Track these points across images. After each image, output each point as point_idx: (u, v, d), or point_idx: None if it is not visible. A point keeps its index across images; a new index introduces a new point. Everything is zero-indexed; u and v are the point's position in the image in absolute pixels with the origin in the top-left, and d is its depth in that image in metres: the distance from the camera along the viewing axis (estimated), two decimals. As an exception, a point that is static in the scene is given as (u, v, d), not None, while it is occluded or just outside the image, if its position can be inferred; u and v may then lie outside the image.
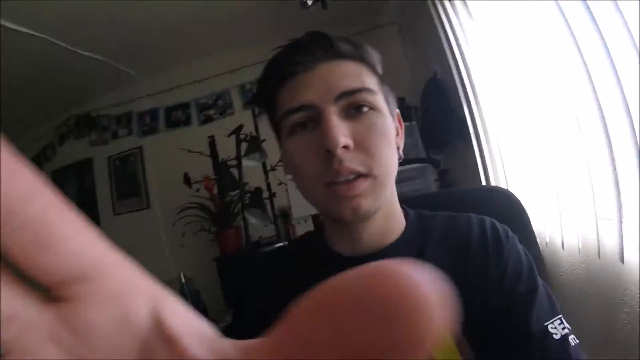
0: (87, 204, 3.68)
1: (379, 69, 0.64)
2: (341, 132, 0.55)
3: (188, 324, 0.17)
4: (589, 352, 0.56)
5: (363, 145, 0.56)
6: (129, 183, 3.50)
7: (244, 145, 2.49)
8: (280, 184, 3.14)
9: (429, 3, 2.25)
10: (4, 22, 2.19)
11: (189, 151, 3.26)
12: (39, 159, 3.98)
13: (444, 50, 2.17)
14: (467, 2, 1.89)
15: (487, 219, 0.66)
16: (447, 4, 2.08)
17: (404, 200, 0.70)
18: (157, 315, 0.16)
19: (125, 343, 0.16)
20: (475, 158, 2.05)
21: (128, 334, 0.16)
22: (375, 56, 0.64)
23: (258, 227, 2.64)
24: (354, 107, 0.57)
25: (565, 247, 1.47)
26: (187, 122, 3.35)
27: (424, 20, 2.40)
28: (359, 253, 0.63)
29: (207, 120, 3.32)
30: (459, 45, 2.05)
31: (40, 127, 3.90)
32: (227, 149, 3.22)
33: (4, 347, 0.14)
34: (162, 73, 3.36)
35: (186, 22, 2.72)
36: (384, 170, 0.58)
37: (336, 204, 0.57)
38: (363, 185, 0.56)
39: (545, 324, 0.55)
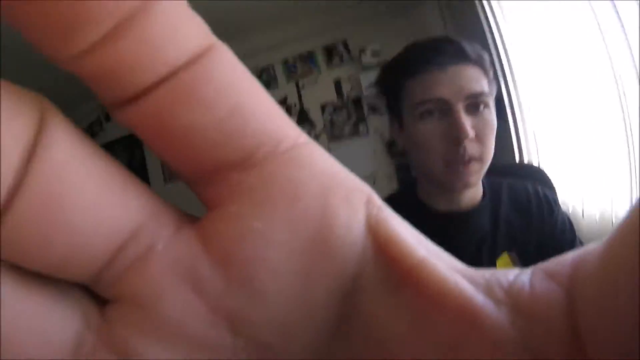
0: (138, 174, 3.99)
1: (491, 72, 0.82)
2: (469, 126, 0.74)
3: (419, 239, 0.11)
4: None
5: (479, 137, 0.76)
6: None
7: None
8: (324, 152, 3.40)
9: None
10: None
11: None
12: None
13: (483, 29, 2.33)
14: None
15: (539, 188, 0.89)
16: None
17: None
18: (374, 220, 0.11)
19: (327, 274, 0.11)
20: (510, 133, 2.27)
21: (331, 257, 0.10)
22: (487, 59, 0.82)
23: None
24: (475, 105, 0.76)
25: (584, 216, 1.69)
26: (234, 96, 3.56)
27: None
28: (454, 210, 0.83)
29: (253, 93, 3.51)
30: (497, 24, 2.21)
31: (87, 103, 4.15)
32: (272, 120, 3.47)
33: (112, 278, 0.10)
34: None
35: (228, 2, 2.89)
36: (490, 156, 0.79)
37: (454, 177, 0.77)
38: (475, 167, 0.77)
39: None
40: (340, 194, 0.11)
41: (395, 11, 3.16)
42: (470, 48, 0.77)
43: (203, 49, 0.10)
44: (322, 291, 0.11)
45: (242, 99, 0.10)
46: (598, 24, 1.43)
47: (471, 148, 0.74)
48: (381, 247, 0.11)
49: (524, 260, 0.80)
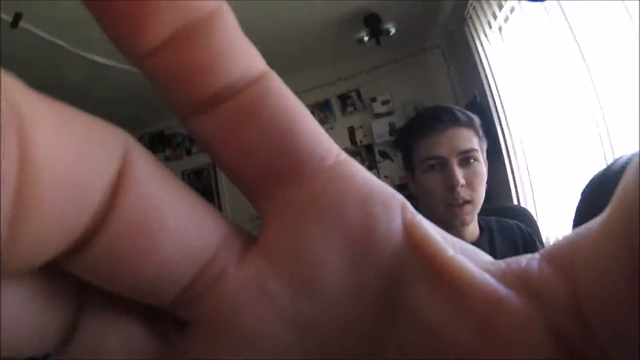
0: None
1: (480, 131, 1.00)
2: (460, 176, 0.92)
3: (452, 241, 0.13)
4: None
5: (470, 184, 0.94)
6: (203, 194, 3.95)
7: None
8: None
9: (466, 30, 2.55)
10: (94, 57, 2.61)
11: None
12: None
13: (480, 76, 2.47)
14: (502, 29, 2.21)
15: (523, 225, 1.05)
16: (481, 31, 2.38)
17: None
18: (409, 223, 0.12)
19: (374, 271, 0.12)
20: (506, 173, 2.36)
21: (374, 255, 0.12)
22: (477, 121, 1.01)
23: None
24: (466, 159, 0.95)
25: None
26: (255, 139, 3.77)
27: (463, 46, 2.70)
28: None
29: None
30: (492, 71, 2.35)
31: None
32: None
33: (190, 300, 0.11)
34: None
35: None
36: (480, 199, 0.97)
37: (452, 217, 0.94)
38: (468, 208, 0.94)
39: None
40: (379, 202, 0.12)
41: (403, 60, 3.34)
42: (462, 114, 0.97)
43: (260, 73, 0.11)
44: (371, 287, 0.12)
45: (291, 121, 0.11)
46: (587, 66, 1.54)
47: (464, 193, 0.92)
48: (417, 246, 0.12)
49: None
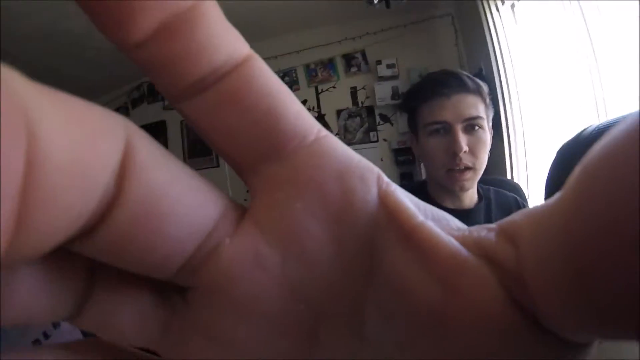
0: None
1: (487, 99, 1.00)
2: (464, 142, 0.93)
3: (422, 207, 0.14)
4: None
5: (473, 151, 0.95)
6: (200, 144, 3.95)
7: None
8: (335, 154, 3.59)
9: (479, 2, 2.51)
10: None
11: (257, 120, 3.72)
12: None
13: (488, 49, 2.50)
14: (515, 7, 2.23)
15: (520, 199, 1.08)
16: (493, 5, 2.37)
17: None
18: (383, 193, 0.13)
19: (354, 238, 0.13)
20: (504, 147, 2.44)
21: (354, 227, 0.13)
22: (485, 89, 1.01)
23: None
24: (471, 126, 0.95)
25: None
26: (256, 94, 3.75)
27: (474, 17, 2.67)
28: (458, 207, 1.02)
29: (274, 93, 3.70)
30: (500, 46, 2.37)
31: (112, 91, 4.32)
32: (290, 120, 3.67)
33: (190, 270, 0.12)
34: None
35: (257, 4, 3.04)
36: (481, 166, 0.98)
37: (452, 182, 0.96)
38: (469, 174, 0.95)
39: None
40: (357, 175, 0.13)
41: (412, 25, 3.36)
42: (470, 81, 0.96)
43: (243, 58, 0.12)
44: (351, 252, 0.13)
45: (274, 102, 0.12)
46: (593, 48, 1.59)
47: (466, 159, 0.93)
48: (390, 213, 0.13)
49: None
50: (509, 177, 2.36)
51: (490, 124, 1.02)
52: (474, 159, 0.94)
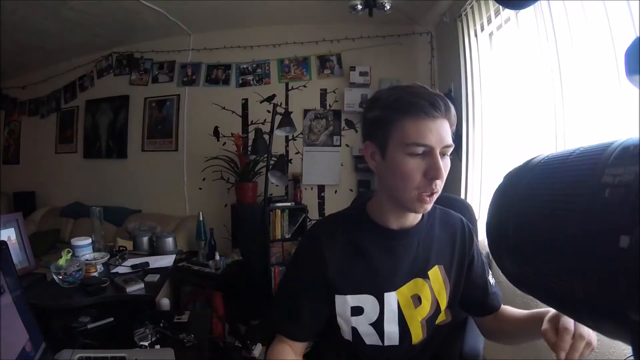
0: (117, 137, 4.08)
1: (454, 126, 0.96)
2: (443, 169, 0.90)
3: None
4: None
5: (442, 177, 0.91)
6: (162, 125, 3.88)
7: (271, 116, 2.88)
8: (297, 153, 3.59)
9: (459, 26, 2.61)
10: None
11: (223, 108, 3.68)
12: (73, 87, 4.34)
13: (460, 72, 2.57)
14: (493, 35, 2.30)
15: (462, 216, 1.10)
16: (472, 31, 2.45)
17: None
18: None
19: None
20: (461, 168, 2.51)
21: None
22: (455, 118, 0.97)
23: (273, 185, 3.08)
24: (444, 153, 0.92)
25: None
26: (226, 81, 3.69)
27: (452, 39, 2.76)
28: (402, 227, 1.01)
29: (245, 84, 3.66)
30: (472, 70, 2.45)
31: (82, 56, 4.20)
32: (256, 112, 3.65)
33: None
34: (211, 33, 3.67)
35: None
36: (440, 191, 0.95)
37: (421, 204, 0.93)
38: (434, 197, 0.93)
39: (489, 276, 1.07)
40: None
41: (390, 37, 3.40)
42: (452, 106, 0.94)
43: None
44: None
45: None
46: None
47: (438, 185, 0.91)
48: None
49: (449, 274, 1.02)
50: (462, 196, 2.44)
51: None
52: (441, 183, 0.92)
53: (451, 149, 0.94)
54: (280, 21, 3.51)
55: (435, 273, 1.01)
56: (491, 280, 1.07)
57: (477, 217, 1.32)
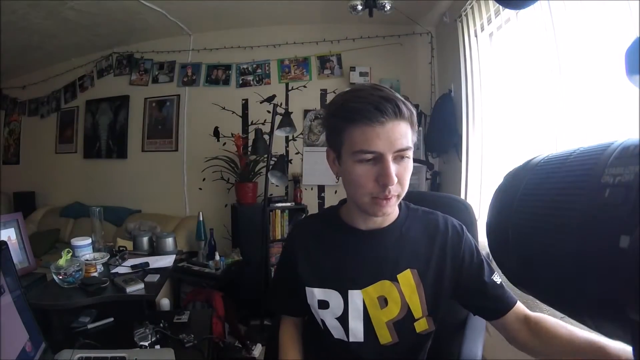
0: (117, 137, 4.07)
1: (416, 125, 0.93)
2: (394, 174, 0.87)
3: None
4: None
5: (400, 180, 0.89)
6: (162, 125, 3.88)
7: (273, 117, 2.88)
8: (297, 153, 3.59)
9: (459, 26, 2.61)
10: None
11: (223, 108, 3.68)
12: (74, 87, 4.33)
13: (460, 72, 2.57)
14: (493, 35, 2.30)
15: (449, 218, 1.05)
16: (472, 31, 2.45)
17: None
18: None
19: None
20: (461, 168, 2.51)
21: None
22: (415, 114, 0.93)
23: (273, 185, 3.08)
24: (400, 157, 0.89)
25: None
26: (226, 81, 3.69)
27: (452, 40, 2.76)
28: (371, 228, 1.00)
29: (245, 84, 3.65)
30: (472, 71, 2.45)
31: (82, 56, 4.20)
32: (256, 112, 3.65)
33: None
34: (211, 33, 3.67)
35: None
36: (405, 191, 0.93)
37: (377, 209, 0.91)
38: (393, 201, 0.91)
39: (492, 277, 0.98)
40: None
41: (390, 38, 3.40)
42: (405, 107, 0.88)
43: None
44: None
45: None
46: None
47: (394, 190, 0.89)
48: None
49: (424, 278, 0.96)
50: (462, 196, 2.44)
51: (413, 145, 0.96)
52: (400, 188, 0.90)
53: (410, 151, 0.91)
54: (280, 21, 3.51)
55: (407, 277, 0.97)
56: (497, 280, 0.99)
57: (477, 217, 1.30)
